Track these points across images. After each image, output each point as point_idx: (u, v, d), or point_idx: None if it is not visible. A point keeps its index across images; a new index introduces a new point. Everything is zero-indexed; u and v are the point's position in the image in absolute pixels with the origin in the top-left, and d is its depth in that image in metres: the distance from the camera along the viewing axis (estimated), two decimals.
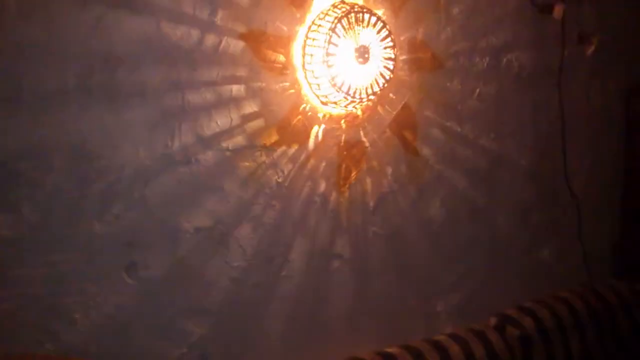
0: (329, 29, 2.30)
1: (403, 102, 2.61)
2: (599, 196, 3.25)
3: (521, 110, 2.95)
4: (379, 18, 2.37)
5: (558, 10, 2.85)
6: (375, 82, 2.42)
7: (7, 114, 1.89)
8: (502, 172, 2.93)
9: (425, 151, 2.68)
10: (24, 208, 1.95)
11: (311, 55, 2.34)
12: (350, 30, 2.33)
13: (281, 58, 2.34)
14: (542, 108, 3.00)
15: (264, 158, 2.33)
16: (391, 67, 2.42)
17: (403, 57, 2.58)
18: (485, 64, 2.80)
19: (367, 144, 2.54)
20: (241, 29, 2.24)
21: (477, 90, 2.80)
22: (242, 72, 2.26)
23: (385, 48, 2.41)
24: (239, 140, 2.28)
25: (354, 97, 2.37)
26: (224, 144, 2.25)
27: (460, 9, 2.70)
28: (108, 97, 2.04)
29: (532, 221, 3.05)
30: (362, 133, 2.53)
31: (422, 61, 2.64)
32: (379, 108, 2.56)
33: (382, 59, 2.41)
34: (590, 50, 3.11)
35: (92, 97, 2.01)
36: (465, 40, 2.74)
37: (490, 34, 2.81)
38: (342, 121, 2.49)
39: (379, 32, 2.39)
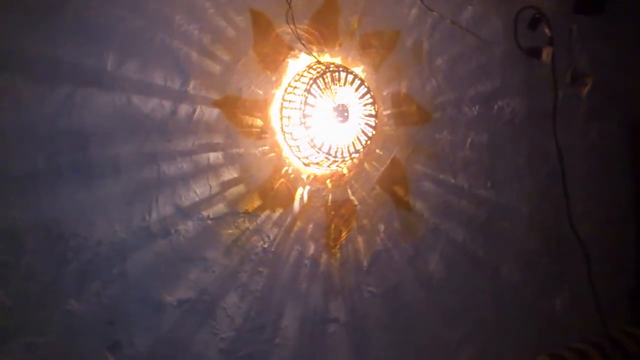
0: (305, 90, 2.26)
1: (391, 157, 2.54)
2: (609, 239, 3.10)
3: (517, 156, 2.85)
4: (356, 76, 2.33)
5: (547, 54, 2.78)
6: (357, 140, 2.35)
7: None
8: (503, 220, 2.82)
9: (419, 205, 2.59)
10: None
11: (288, 117, 2.30)
12: (327, 90, 2.28)
13: (258, 122, 2.30)
14: (540, 152, 2.89)
15: (247, 224, 2.27)
16: (373, 123, 2.37)
17: (387, 112, 2.53)
18: (475, 112, 2.73)
19: (356, 203, 2.46)
20: (215, 96, 2.21)
21: (469, 139, 2.72)
22: (218, 139, 2.22)
23: (365, 105, 2.35)
24: (219, 208, 2.23)
25: (335, 156, 2.31)
26: (204, 213, 2.20)
27: (443, 59, 2.65)
28: (80, 174, 2.01)
29: (540, 269, 2.92)
30: (349, 192, 2.46)
31: (407, 115, 2.58)
32: (366, 165, 2.49)
33: (363, 116, 2.35)
34: (586, 90, 3.01)
35: (63, 175, 1.99)
36: (452, 90, 2.67)
37: (478, 82, 2.74)
38: (328, 181, 2.42)
39: (357, 89, 2.34)
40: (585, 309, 2.89)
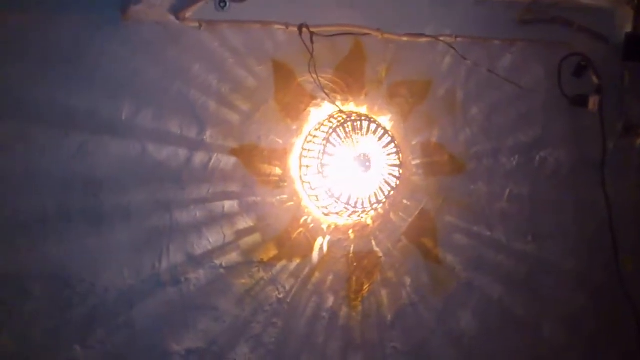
0: (323, 139, 2.20)
1: (420, 208, 2.43)
2: None
3: (562, 210, 2.68)
4: (379, 125, 2.25)
5: (593, 102, 2.61)
6: (379, 191, 2.26)
7: None
8: (544, 277, 2.64)
9: (450, 259, 2.46)
10: (2, 336, 1.90)
11: (307, 166, 2.24)
12: (347, 139, 2.21)
13: (277, 171, 2.25)
14: (587, 206, 2.70)
15: (262, 274, 2.21)
16: (397, 173, 2.27)
17: (416, 161, 2.43)
18: (515, 163, 2.58)
19: (380, 254, 2.37)
20: (232, 144, 2.19)
21: (507, 191, 2.57)
22: (234, 187, 2.19)
23: (388, 154, 2.26)
24: (233, 256, 2.19)
25: (355, 207, 2.22)
26: (217, 262, 2.17)
27: (479, 108, 2.53)
28: (89, 221, 2.01)
29: (586, 331, 2.69)
30: (374, 243, 2.37)
31: (438, 164, 2.47)
32: (392, 215, 2.39)
33: (386, 166, 2.26)
34: (639, 141, 2.79)
35: (72, 221, 1.99)
36: (488, 140, 2.54)
37: (518, 132, 2.60)
38: (350, 231, 2.34)
39: (380, 138, 2.26)
40: None
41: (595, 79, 2.61)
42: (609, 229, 2.61)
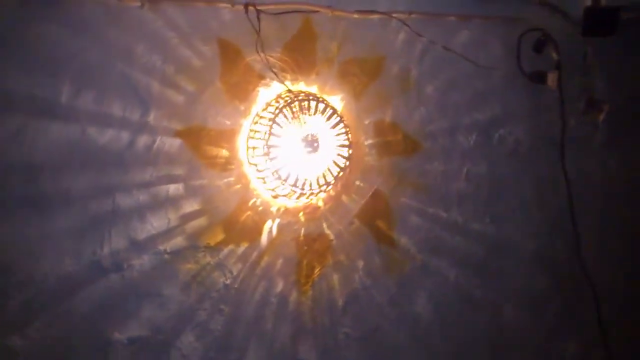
0: (270, 120, 2.22)
1: (373, 190, 2.46)
2: (624, 278, 2.88)
3: (522, 189, 2.72)
4: (327, 104, 2.28)
5: (552, 78, 2.65)
6: (328, 172, 2.28)
7: None
8: (504, 258, 2.68)
9: (404, 241, 2.50)
10: None
11: (254, 148, 2.26)
12: (295, 120, 2.23)
13: (224, 153, 2.28)
14: (547, 186, 2.74)
15: (208, 259, 2.25)
16: (346, 154, 2.29)
17: (369, 141, 2.46)
18: (472, 142, 2.62)
19: (331, 237, 2.40)
20: (178, 126, 2.22)
21: (465, 170, 2.61)
22: (179, 170, 2.22)
23: (337, 135, 2.28)
24: (178, 241, 2.23)
25: (303, 189, 2.25)
26: (161, 247, 2.20)
27: (434, 86, 2.56)
28: (28, 206, 2.05)
29: (546, 315, 2.74)
30: (325, 225, 2.40)
31: (392, 144, 2.50)
32: (344, 197, 2.42)
33: (335, 147, 2.28)
34: (602, 117, 2.83)
35: (10, 207, 2.03)
36: (444, 118, 2.58)
37: (475, 110, 2.63)
38: (301, 214, 2.37)
39: (328, 118, 2.28)
40: (596, 356, 2.68)
41: (554, 55, 2.63)
42: (568, 208, 2.62)
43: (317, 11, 2.36)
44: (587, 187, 2.74)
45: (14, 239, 2.02)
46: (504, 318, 2.67)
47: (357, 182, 2.45)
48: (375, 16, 2.45)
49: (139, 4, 2.15)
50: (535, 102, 2.70)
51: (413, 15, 2.50)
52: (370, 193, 2.48)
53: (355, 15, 2.42)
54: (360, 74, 2.45)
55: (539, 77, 2.65)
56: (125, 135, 2.15)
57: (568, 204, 2.67)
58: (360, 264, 2.45)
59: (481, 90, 2.63)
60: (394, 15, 2.47)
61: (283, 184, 2.23)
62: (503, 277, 2.67)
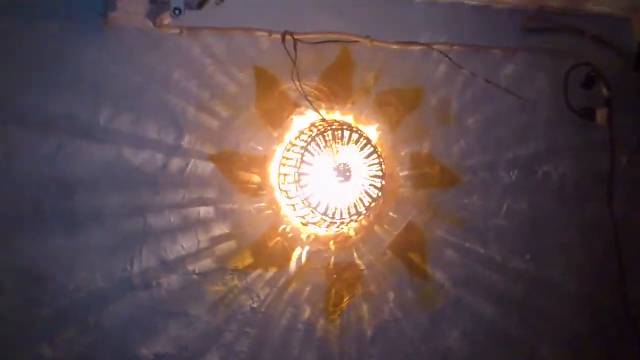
0: (302, 148, 2.23)
1: (407, 221, 2.43)
2: None
3: (565, 227, 2.62)
4: (361, 134, 2.27)
5: (601, 115, 2.56)
6: (360, 202, 2.28)
7: None
8: (544, 298, 2.60)
9: (439, 275, 2.46)
10: None
11: (285, 175, 2.28)
12: (327, 149, 2.24)
13: (256, 179, 2.30)
14: (593, 225, 2.63)
15: (236, 282, 2.27)
16: (379, 184, 2.28)
17: (404, 173, 2.43)
18: (514, 178, 2.56)
19: (362, 267, 2.39)
20: (211, 151, 2.25)
21: (505, 206, 2.54)
22: (211, 194, 2.25)
23: (371, 165, 2.28)
24: (207, 263, 2.25)
25: (333, 218, 2.25)
26: (190, 267, 2.23)
27: (475, 119, 2.51)
28: (64, 222, 2.10)
29: (589, 357, 2.63)
30: (356, 255, 2.39)
31: (429, 176, 2.47)
32: (377, 228, 2.41)
33: (368, 177, 2.28)
34: None
35: (47, 222, 2.09)
36: (485, 152, 2.53)
37: (518, 145, 2.58)
38: (331, 242, 2.37)
39: (362, 148, 2.27)
40: None
41: (605, 91, 2.55)
42: (615, 250, 2.52)
43: (356, 41, 2.37)
44: (635, 229, 2.61)
45: (49, 253, 2.08)
46: (541, 359, 2.55)
47: (391, 214, 2.42)
48: (416, 47, 2.43)
49: (178, 31, 2.20)
50: (583, 139, 2.62)
51: (455, 47, 2.47)
52: (405, 225, 2.44)
53: (395, 47, 2.42)
54: (398, 105, 2.43)
55: (588, 114, 2.57)
56: (159, 158, 2.19)
57: (615, 245, 2.55)
58: (392, 296, 2.41)
59: (526, 125, 2.57)
60: (435, 47, 2.44)
61: (313, 212, 2.23)
62: (542, 317, 2.58)
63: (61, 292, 2.09)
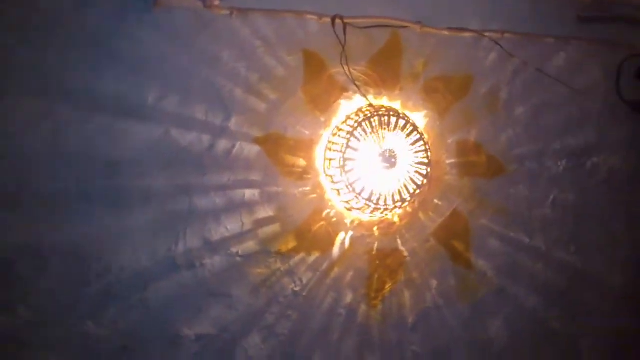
0: (348, 133, 2.17)
1: (452, 209, 2.36)
2: None
3: (612, 220, 2.53)
4: (407, 120, 2.20)
5: None
6: (404, 188, 2.21)
7: (6, 214, 1.99)
8: (587, 290, 2.51)
9: (481, 264, 2.39)
10: (19, 307, 1.99)
11: (331, 160, 2.22)
12: (373, 134, 2.17)
13: (301, 162, 2.24)
14: None
15: (278, 265, 2.22)
16: (424, 172, 2.21)
17: (451, 160, 2.36)
18: (562, 168, 2.47)
19: (405, 254, 2.32)
20: (257, 133, 2.20)
21: (551, 197, 2.46)
22: (256, 176, 2.20)
23: (416, 152, 2.21)
24: (250, 245, 2.20)
25: (377, 203, 2.19)
26: (234, 249, 2.19)
27: (525, 108, 2.43)
28: (109, 201, 2.08)
29: (630, 353, 2.54)
30: (399, 241, 2.33)
31: (475, 165, 2.39)
32: (421, 215, 2.34)
33: (413, 164, 2.21)
34: None
35: (92, 201, 2.06)
36: (533, 142, 2.44)
37: (567, 135, 2.48)
38: (375, 228, 2.31)
39: (408, 135, 2.20)
40: None
41: None
42: None
43: (406, 26, 2.29)
44: None
45: (94, 231, 2.06)
46: (583, 353, 2.49)
47: (436, 201, 2.36)
48: (467, 34, 2.35)
49: (228, 12, 2.15)
50: (634, 132, 2.50)
51: (506, 35, 2.38)
52: (449, 213, 2.37)
53: (446, 32, 2.34)
54: (446, 92, 2.35)
55: None
56: (206, 139, 2.15)
57: None
58: (434, 283, 2.35)
59: (576, 115, 2.47)
60: (486, 34, 2.35)
61: (357, 198, 2.17)
62: (584, 310, 2.50)
63: (106, 271, 2.06)
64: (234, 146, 2.16)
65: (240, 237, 2.16)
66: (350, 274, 2.26)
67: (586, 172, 2.48)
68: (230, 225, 2.16)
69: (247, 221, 2.17)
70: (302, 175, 2.22)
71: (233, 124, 2.15)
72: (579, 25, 2.46)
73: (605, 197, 2.49)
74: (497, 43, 2.34)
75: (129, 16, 2.07)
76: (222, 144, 2.15)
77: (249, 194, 2.18)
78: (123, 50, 2.07)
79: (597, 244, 2.49)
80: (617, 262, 2.50)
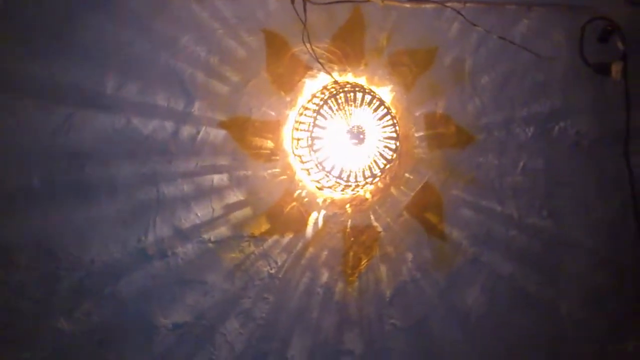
0: (314, 111, 1.94)
1: (423, 182, 2.13)
2: None
3: (582, 183, 2.31)
4: (374, 95, 1.96)
5: (616, 70, 2.24)
6: (374, 164, 1.98)
7: None
8: (562, 254, 2.30)
9: (455, 234, 2.17)
10: None
11: (298, 139, 1.98)
12: (340, 111, 1.93)
13: (269, 144, 2.01)
14: (609, 181, 2.32)
15: (252, 248, 2.00)
16: (393, 146, 1.98)
17: (419, 133, 2.13)
18: (529, 135, 2.25)
19: (379, 229, 2.10)
20: (222, 117, 1.97)
21: (521, 164, 2.24)
22: (224, 160, 1.97)
23: (384, 127, 1.98)
24: (222, 231, 1.98)
25: (348, 180, 1.96)
26: (206, 236, 1.97)
27: (490, 77, 2.20)
28: (75, 194, 1.86)
29: (607, 310, 2.33)
30: (372, 217, 2.10)
31: (444, 136, 2.17)
32: (393, 190, 2.12)
33: (382, 139, 1.98)
34: None
35: (58, 194, 1.85)
36: (500, 110, 2.22)
37: (533, 102, 2.26)
38: (348, 206, 2.08)
39: (375, 110, 1.97)
40: None
41: (620, 45, 2.22)
42: (632, 205, 2.21)
43: (368, 1, 2.05)
44: None
45: (62, 225, 1.84)
46: (560, 315, 2.29)
47: (407, 175, 2.13)
48: (428, 6, 2.12)
49: None
50: (599, 95, 2.29)
51: (468, 5, 2.15)
52: (421, 186, 2.15)
53: (407, 5, 2.10)
54: (411, 65, 2.12)
55: (603, 68, 2.26)
56: (169, 125, 1.93)
57: (632, 199, 2.24)
58: (409, 256, 2.13)
59: (541, 81, 2.25)
60: (448, 4, 2.12)
61: (328, 176, 1.94)
62: (560, 273, 2.29)
63: (76, 265, 1.86)
64: (199, 131, 1.93)
65: (211, 223, 1.94)
66: (325, 252, 2.04)
67: (554, 137, 2.26)
68: (201, 212, 1.93)
69: (218, 207, 1.95)
70: (271, 156, 1.99)
71: (196, 108, 1.93)
72: None
73: (574, 160, 2.27)
74: (459, 13, 2.11)
75: (82, 2, 1.80)
76: (187, 130, 1.92)
77: (218, 179, 1.95)
78: (80, 38, 1.84)
79: (569, 207, 2.28)
80: (589, 225, 2.29)
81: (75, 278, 1.84)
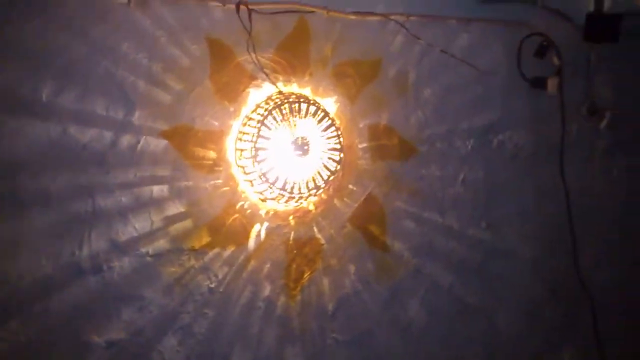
0: (258, 122, 1.83)
1: (366, 194, 2.05)
2: (621, 292, 2.43)
3: (520, 195, 2.28)
4: (318, 107, 1.88)
5: (552, 84, 2.22)
6: (318, 175, 1.89)
7: None
8: (500, 265, 2.26)
9: (397, 246, 2.10)
10: None
11: (242, 150, 1.87)
12: (284, 122, 1.83)
13: (211, 154, 1.89)
14: (546, 193, 2.30)
15: (192, 262, 1.88)
16: (337, 158, 1.89)
17: (363, 145, 2.05)
18: (470, 147, 2.20)
19: (322, 241, 2.01)
20: (163, 126, 1.85)
21: (462, 175, 2.19)
22: (164, 171, 1.85)
23: (328, 138, 1.89)
24: (161, 244, 1.86)
25: (292, 192, 1.86)
26: (144, 249, 1.84)
27: (433, 90, 2.15)
28: (5, 205, 1.69)
29: (544, 320, 2.32)
30: (315, 229, 2.01)
31: (387, 148, 2.10)
32: (336, 201, 2.03)
33: (326, 150, 1.89)
34: (603, 124, 2.38)
35: None
36: (442, 122, 2.17)
37: (474, 114, 2.22)
38: (291, 217, 1.98)
39: (320, 121, 1.88)
40: None
41: (556, 60, 2.21)
42: (567, 216, 2.19)
43: (313, 11, 1.96)
44: (587, 195, 2.30)
45: None
46: (499, 325, 2.26)
47: (350, 186, 2.06)
48: (373, 18, 2.05)
49: (125, 1, 1.78)
50: (536, 108, 2.27)
51: (411, 18, 2.10)
52: (364, 197, 2.07)
53: (352, 17, 2.03)
54: (356, 76, 2.05)
55: (540, 83, 2.24)
56: (108, 135, 1.80)
57: (567, 210, 2.22)
58: (352, 268, 2.06)
59: (480, 94, 2.22)
60: (392, 17, 2.06)
61: (271, 188, 1.85)
62: (499, 284, 2.25)
63: (3, 280, 1.70)
64: (138, 141, 1.81)
65: (150, 236, 1.82)
66: (268, 265, 1.95)
67: (493, 150, 2.24)
68: (139, 224, 1.81)
69: (157, 219, 1.83)
70: (213, 167, 1.89)
71: (137, 117, 1.80)
72: (480, 6, 2.21)
73: (513, 172, 2.25)
74: (402, 26, 2.05)
75: (16, 6, 1.65)
76: (126, 140, 1.80)
77: (157, 190, 1.83)
78: (13, 42, 1.66)
79: (507, 218, 2.25)
80: (526, 235, 2.27)
81: (3, 294, 1.69)
